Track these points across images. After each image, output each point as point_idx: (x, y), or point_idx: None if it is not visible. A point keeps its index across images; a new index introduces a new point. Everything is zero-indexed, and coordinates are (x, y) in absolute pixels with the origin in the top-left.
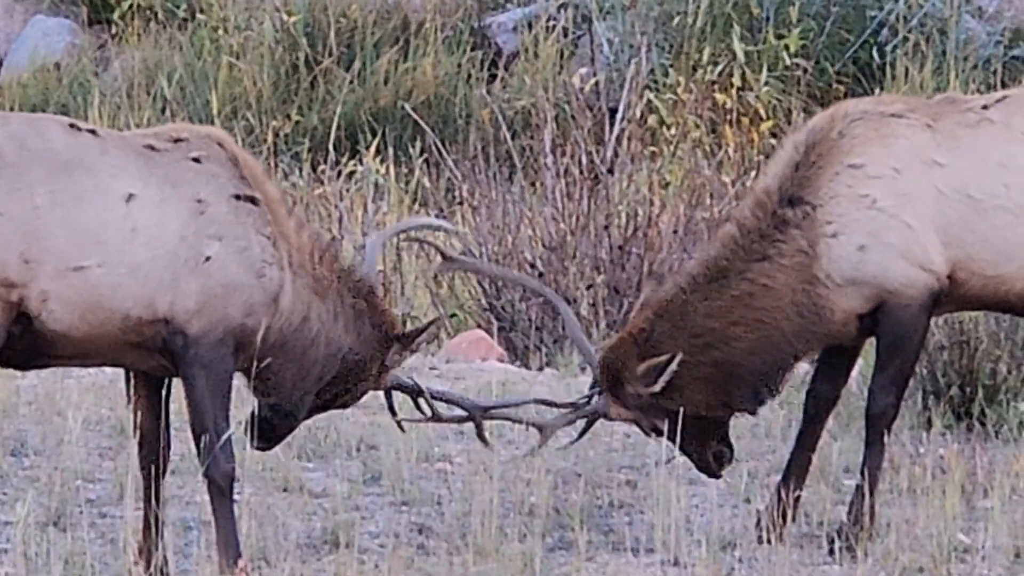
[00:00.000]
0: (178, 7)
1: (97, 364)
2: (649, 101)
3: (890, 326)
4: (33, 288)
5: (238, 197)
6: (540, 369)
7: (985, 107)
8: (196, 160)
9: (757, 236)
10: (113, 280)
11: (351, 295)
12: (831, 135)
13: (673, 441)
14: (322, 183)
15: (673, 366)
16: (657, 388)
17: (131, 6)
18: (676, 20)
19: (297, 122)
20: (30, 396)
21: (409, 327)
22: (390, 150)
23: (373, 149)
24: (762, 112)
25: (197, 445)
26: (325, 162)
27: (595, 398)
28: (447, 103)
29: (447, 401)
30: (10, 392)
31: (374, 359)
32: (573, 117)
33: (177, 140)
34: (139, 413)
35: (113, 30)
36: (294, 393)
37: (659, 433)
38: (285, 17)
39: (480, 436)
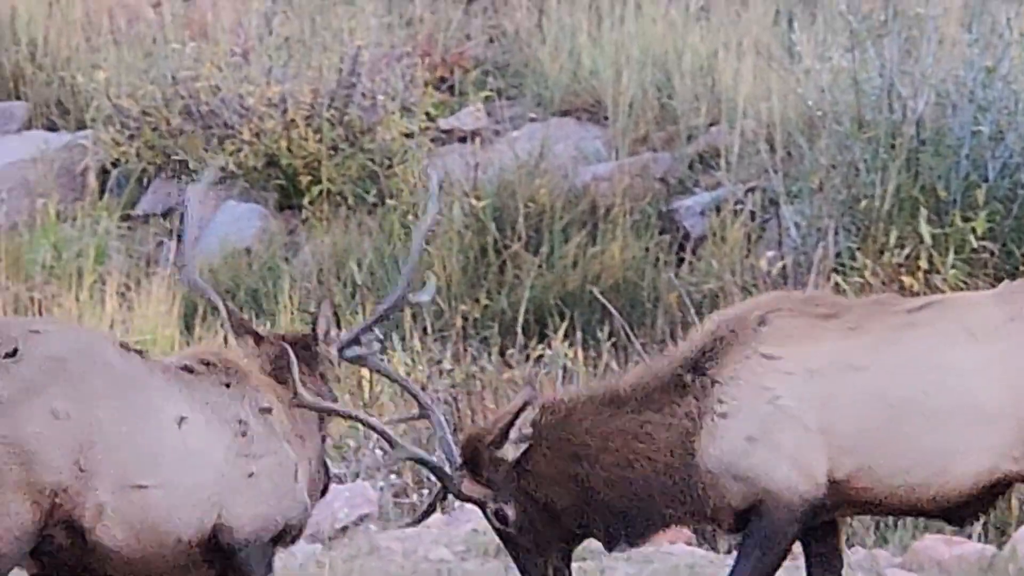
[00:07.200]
0: (368, 192)
1: None
2: (836, 284)
3: (760, 526)
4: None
5: (264, 411)
6: None
7: (911, 311)
8: (227, 385)
9: (659, 387)
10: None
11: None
12: (750, 318)
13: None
14: (510, 367)
15: (521, 421)
16: (507, 452)
17: (321, 192)
18: (863, 203)
19: (486, 306)
20: None
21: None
22: (578, 334)
23: (561, 333)
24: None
25: None
26: (513, 346)
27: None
28: (635, 287)
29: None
30: None
31: None
32: None
33: (207, 364)
34: None
35: (303, 215)
36: None
37: (503, 523)
38: (474, 202)
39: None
